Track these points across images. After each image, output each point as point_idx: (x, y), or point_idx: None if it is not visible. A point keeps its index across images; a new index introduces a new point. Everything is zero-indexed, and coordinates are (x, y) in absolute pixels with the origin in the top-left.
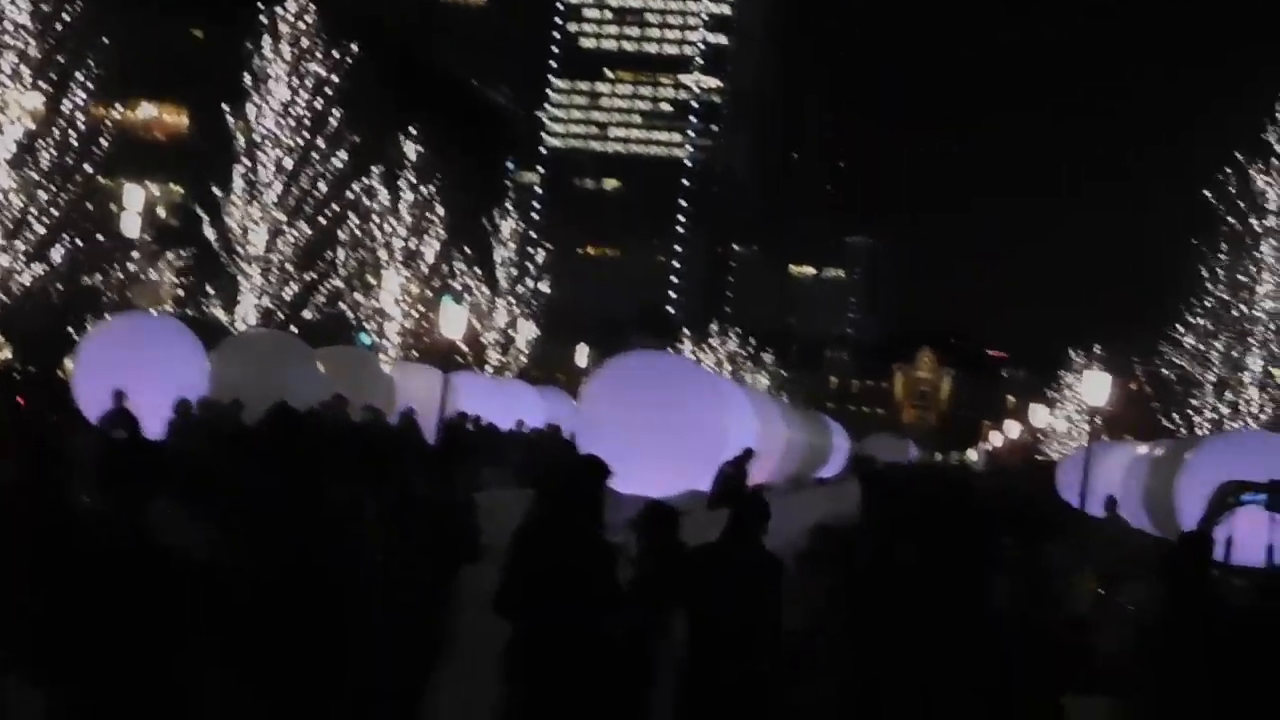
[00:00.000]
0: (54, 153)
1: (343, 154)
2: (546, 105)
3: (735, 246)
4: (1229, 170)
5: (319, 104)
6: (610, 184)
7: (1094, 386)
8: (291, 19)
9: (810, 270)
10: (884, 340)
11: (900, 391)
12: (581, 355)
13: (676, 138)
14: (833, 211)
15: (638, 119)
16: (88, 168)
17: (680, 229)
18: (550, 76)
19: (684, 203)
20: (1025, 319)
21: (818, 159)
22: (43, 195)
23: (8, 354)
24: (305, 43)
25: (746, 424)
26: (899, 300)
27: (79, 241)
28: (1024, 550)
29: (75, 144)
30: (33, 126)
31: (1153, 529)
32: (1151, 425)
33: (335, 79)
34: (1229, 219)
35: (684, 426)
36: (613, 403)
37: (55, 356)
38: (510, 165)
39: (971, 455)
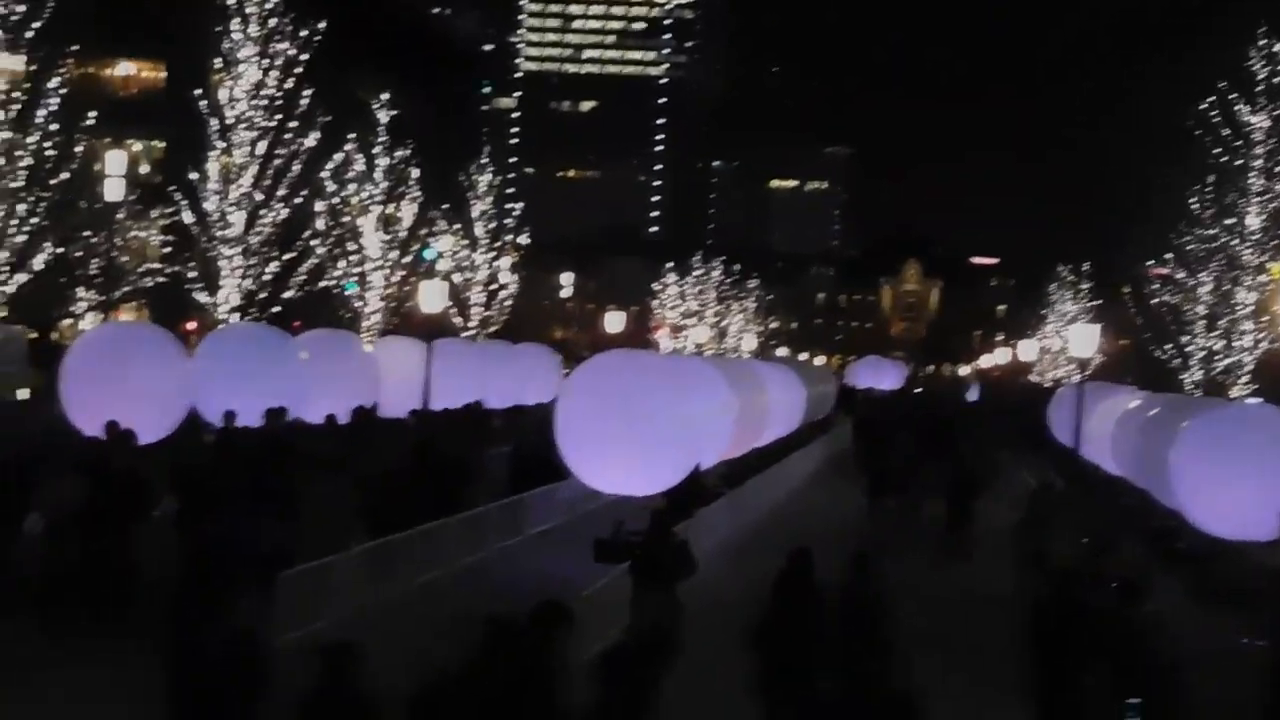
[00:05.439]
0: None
1: (316, 133)
2: (520, 30)
3: (715, 163)
4: (1212, 100)
5: (289, 84)
6: (586, 106)
7: (1082, 338)
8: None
9: (791, 183)
10: (869, 252)
11: (887, 304)
12: (567, 282)
13: (651, 55)
14: (812, 123)
15: (611, 39)
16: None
17: (658, 148)
18: (521, 1)
19: (661, 121)
20: (1012, 229)
21: (795, 71)
22: (24, 157)
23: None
24: (273, 22)
25: (719, 413)
26: (883, 211)
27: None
28: None
29: (54, 104)
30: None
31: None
32: (1144, 359)
33: (304, 57)
34: (1214, 151)
35: (656, 429)
36: (587, 404)
37: (47, 323)
38: (486, 90)
39: (963, 370)
